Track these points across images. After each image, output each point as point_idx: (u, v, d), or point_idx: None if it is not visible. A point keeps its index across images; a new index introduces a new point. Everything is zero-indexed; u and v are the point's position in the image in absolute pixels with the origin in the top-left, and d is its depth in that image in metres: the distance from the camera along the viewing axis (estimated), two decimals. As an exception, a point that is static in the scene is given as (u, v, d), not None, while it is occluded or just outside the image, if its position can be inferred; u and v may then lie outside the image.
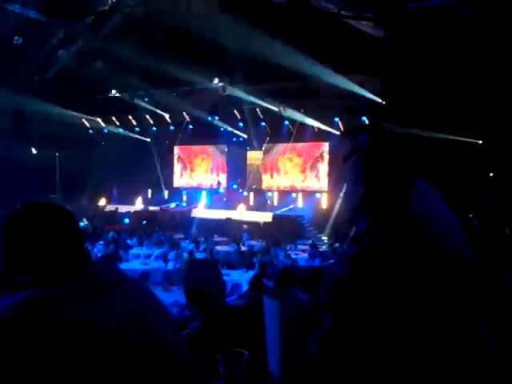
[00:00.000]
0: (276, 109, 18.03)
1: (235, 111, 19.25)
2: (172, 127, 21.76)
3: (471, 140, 14.46)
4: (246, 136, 20.39)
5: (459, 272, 1.18)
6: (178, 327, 1.89)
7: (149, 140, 22.35)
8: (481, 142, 14.48)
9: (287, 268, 1.54)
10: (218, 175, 22.12)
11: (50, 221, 1.05)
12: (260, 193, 20.21)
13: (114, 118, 22.07)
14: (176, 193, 22.21)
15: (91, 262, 1.10)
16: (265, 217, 16.90)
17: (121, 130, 22.42)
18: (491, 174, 14.23)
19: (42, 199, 1.18)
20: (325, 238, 15.62)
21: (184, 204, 21.01)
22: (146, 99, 19.82)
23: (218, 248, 12.54)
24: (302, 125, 18.46)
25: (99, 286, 1.00)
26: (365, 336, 1.05)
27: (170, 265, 10.57)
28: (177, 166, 23.41)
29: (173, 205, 20.76)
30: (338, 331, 1.06)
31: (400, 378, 1.06)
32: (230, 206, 18.85)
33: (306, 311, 1.24)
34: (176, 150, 23.15)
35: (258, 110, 18.71)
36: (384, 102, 15.09)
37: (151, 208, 19.56)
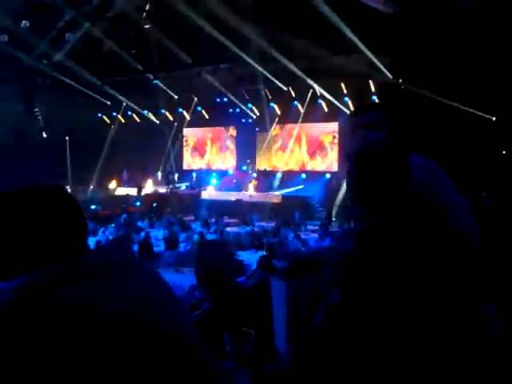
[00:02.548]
0: (285, 89, 17.88)
1: (244, 92, 19.09)
2: (180, 109, 21.68)
3: (484, 116, 14.23)
4: (255, 117, 20.27)
5: (466, 252, 1.17)
6: (188, 312, 1.91)
7: (158, 122, 22.35)
8: (494, 118, 14.25)
9: (299, 258, 1.55)
10: (227, 157, 22.08)
11: (47, 203, 1.03)
12: (269, 174, 20.16)
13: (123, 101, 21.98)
14: (186, 175, 22.25)
15: (97, 245, 1.09)
16: (274, 198, 16.93)
17: (129, 113, 22.43)
18: (504, 152, 14.03)
19: (53, 183, 1.15)
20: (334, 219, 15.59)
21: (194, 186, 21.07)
22: (155, 81, 19.71)
23: (229, 229, 12.58)
24: (312, 105, 18.31)
25: (102, 269, 0.99)
26: (370, 310, 1.06)
27: (181, 246, 10.63)
28: (186, 148, 23.39)
29: (183, 187, 20.82)
30: (344, 305, 1.06)
31: (404, 352, 1.06)
32: (240, 187, 18.88)
33: (311, 290, 1.25)
34: (185, 132, 23.11)
35: (267, 90, 18.54)
36: (394, 81, 14.87)
37: (161, 190, 19.64)
